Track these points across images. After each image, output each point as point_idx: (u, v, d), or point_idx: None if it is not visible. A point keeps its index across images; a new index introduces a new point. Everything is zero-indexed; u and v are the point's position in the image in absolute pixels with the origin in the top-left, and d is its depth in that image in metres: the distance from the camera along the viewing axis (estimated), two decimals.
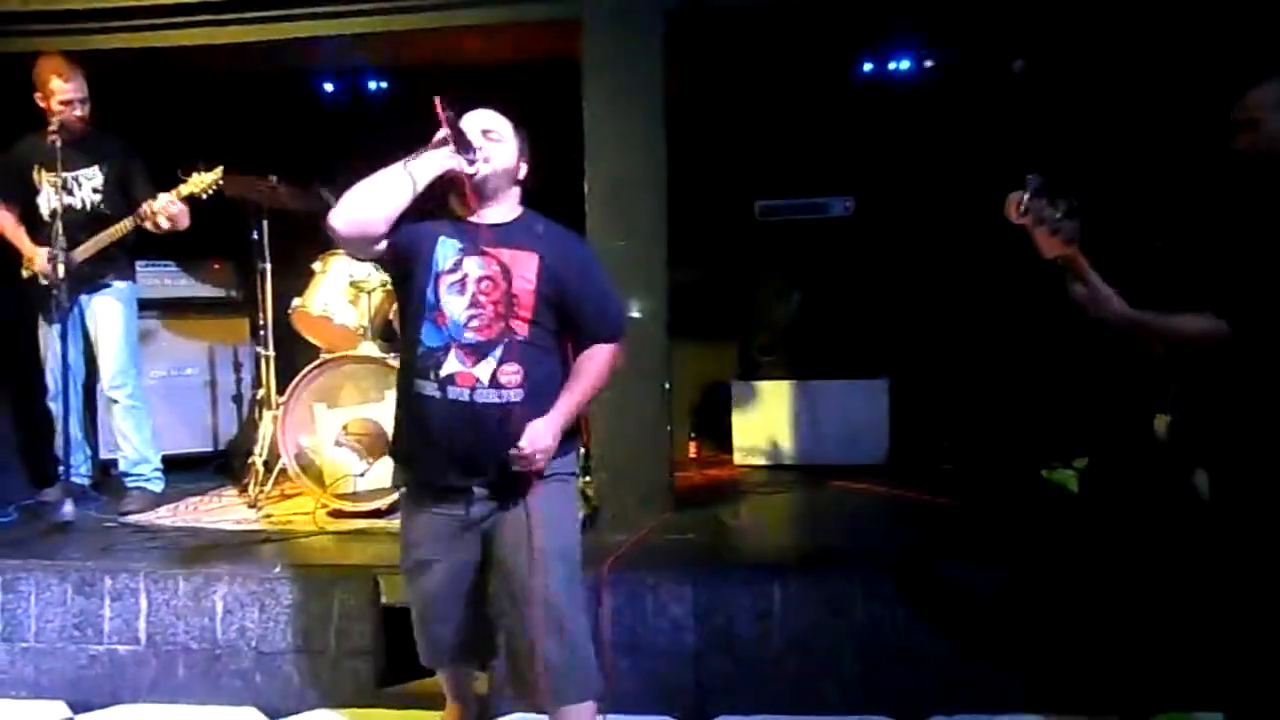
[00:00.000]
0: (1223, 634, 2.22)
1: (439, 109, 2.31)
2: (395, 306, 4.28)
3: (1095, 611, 3.05)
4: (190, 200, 3.98)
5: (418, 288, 2.41)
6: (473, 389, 2.35)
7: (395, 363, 3.99)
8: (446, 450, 2.39)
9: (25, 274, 4.14)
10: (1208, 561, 2.36)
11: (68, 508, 3.81)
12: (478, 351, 2.36)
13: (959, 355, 4.99)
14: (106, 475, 4.54)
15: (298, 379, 4.05)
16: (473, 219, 2.47)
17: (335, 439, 4.00)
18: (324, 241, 4.49)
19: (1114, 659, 3.00)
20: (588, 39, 3.80)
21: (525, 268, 2.40)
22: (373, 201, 2.34)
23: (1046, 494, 4.27)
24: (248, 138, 4.87)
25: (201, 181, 3.96)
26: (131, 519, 4.03)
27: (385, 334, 4.35)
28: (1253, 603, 2.12)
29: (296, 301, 4.34)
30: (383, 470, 3.96)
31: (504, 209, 2.49)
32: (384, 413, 3.99)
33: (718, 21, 4.24)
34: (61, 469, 4.00)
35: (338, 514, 3.98)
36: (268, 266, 4.45)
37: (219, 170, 3.98)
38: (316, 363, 4.08)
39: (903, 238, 5.02)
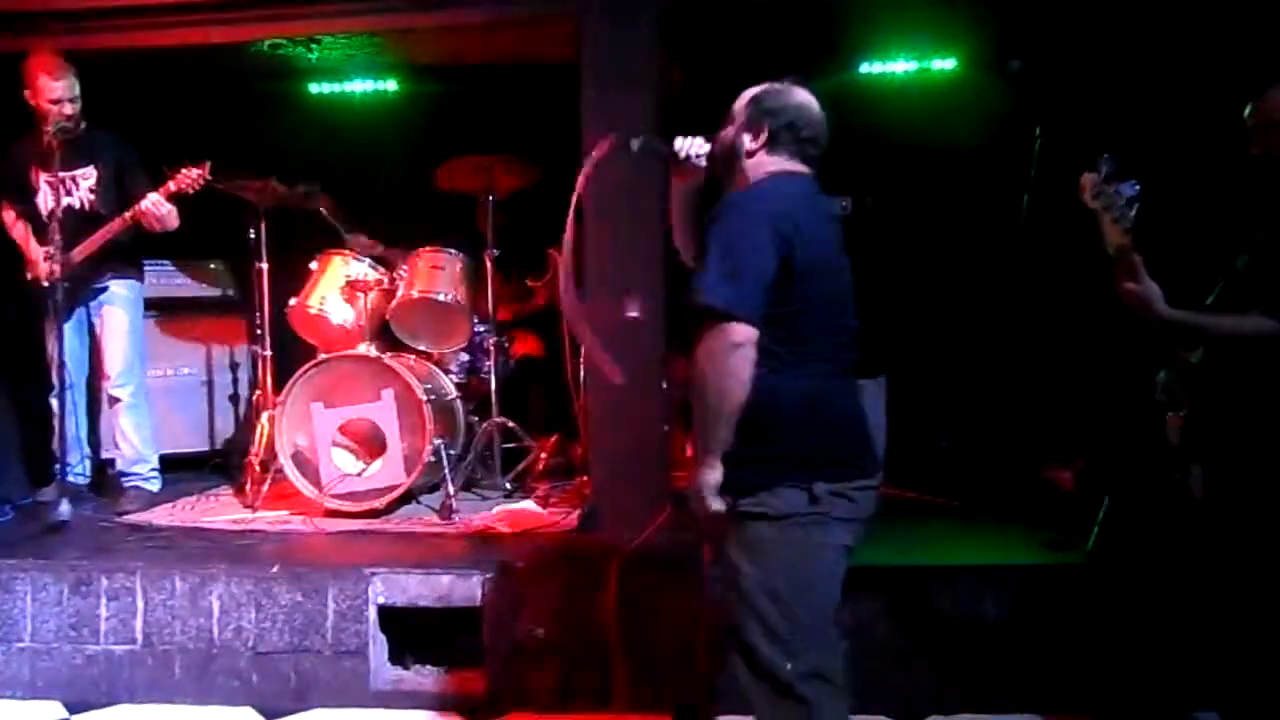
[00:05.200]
0: (1219, 633, 2.21)
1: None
2: (392, 306, 4.30)
3: (1093, 610, 3.06)
4: (179, 197, 3.96)
5: None
6: None
7: (391, 363, 4.03)
8: None
9: (29, 275, 4.11)
10: (1204, 560, 2.35)
11: (64, 507, 3.79)
12: None
13: (956, 354, 4.99)
14: (103, 475, 4.52)
15: (295, 379, 4.04)
16: None
17: (332, 439, 4.00)
18: (321, 241, 4.56)
19: (1112, 658, 3.00)
20: (583, 35, 3.79)
21: None
22: None
23: (1044, 493, 4.27)
24: (245, 136, 4.86)
25: (188, 178, 3.94)
26: (128, 519, 4.02)
27: (382, 334, 4.34)
28: (1250, 601, 2.12)
29: (293, 301, 4.33)
30: (379, 470, 3.96)
31: None
32: (380, 413, 3.98)
33: (712, 16, 4.23)
34: (58, 468, 3.98)
35: (334, 514, 3.97)
36: (265, 266, 4.44)
37: (206, 166, 3.95)
38: (313, 362, 4.08)
39: (899, 237, 5.01)
